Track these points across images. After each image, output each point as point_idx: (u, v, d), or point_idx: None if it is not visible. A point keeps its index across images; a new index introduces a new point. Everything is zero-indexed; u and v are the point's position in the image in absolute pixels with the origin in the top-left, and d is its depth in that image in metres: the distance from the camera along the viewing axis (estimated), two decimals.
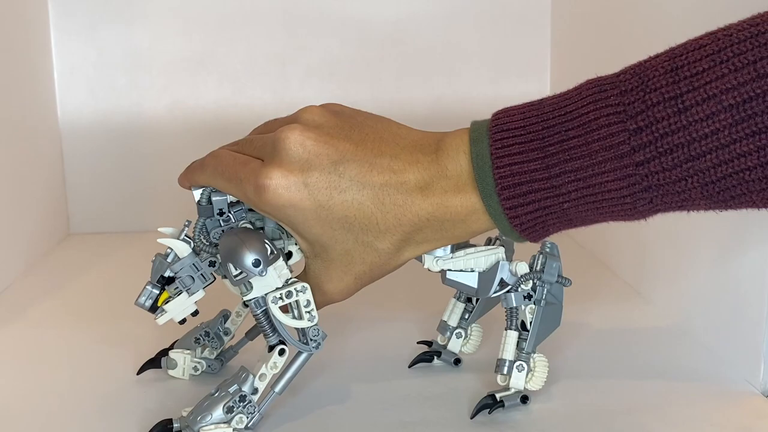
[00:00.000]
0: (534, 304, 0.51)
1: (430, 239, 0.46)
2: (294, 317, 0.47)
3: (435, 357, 0.58)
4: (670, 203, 0.41)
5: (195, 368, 0.56)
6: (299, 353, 0.48)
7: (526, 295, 0.51)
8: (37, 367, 0.59)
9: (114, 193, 1.00)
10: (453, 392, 0.54)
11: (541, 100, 0.44)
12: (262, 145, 0.46)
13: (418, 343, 0.60)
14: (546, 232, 0.45)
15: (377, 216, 0.44)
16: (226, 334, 0.56)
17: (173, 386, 0.55)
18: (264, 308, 0.47)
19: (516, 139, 0.43)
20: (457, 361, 0.57)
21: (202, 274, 0.49)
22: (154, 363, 0.56)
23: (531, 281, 0.51)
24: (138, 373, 0.56)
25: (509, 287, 0.50)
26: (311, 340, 0.48)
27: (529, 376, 0.51)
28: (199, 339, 0.56)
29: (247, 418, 0.47)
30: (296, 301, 0.47)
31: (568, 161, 0.41)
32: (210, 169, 0.47)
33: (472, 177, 0.44)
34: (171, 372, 0.55)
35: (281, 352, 0.47)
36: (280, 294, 0.46)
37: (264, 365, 0.47)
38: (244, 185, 0.45)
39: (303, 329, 0.47)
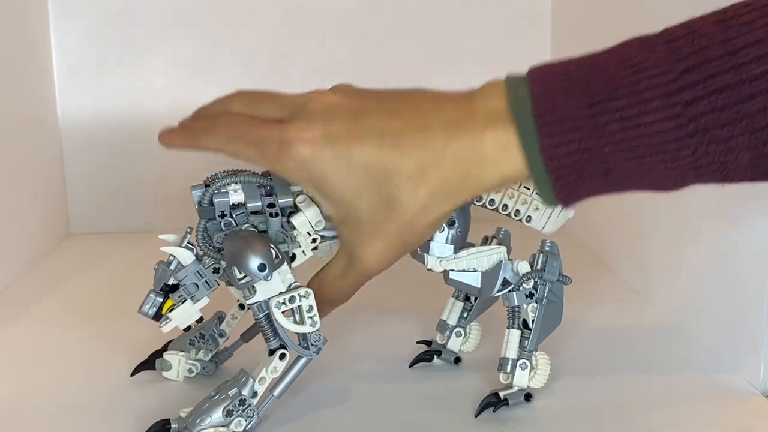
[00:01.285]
0: (536, 302, 0.51)
1: (458, 189, 0.43)
2: (296, 322, 0.47)
3: (435, 356, 0.58)
4: (714, 155, 0.39)
5: (189, 370, 0.56)
6: (299, 357, 0.48)
7: (527, 293, 0.51)
8: (36, 367, 0.59)
9: (114, 193, 1.00)
10: (454, 391, 0.54)
11: (580, 56, 0.42)
12: (284, 104, 0.45)
13: (417, 342, 0.60)
14: (578, 188, 0.42)
15: (397, 161, 0.42)
16: (221, 336, 0.56)
17: (168, 388, 0.55)
18: (266, 312, 0.47)
19: (558, 77, 0.40)
20: (457, 360, 0.57)
21: (206, 281, 0.48)
22: (148, 365, 0.56)
23: (532, 280, 0.51)
24: (132, 375, 0.56)
25: (511, 286, 0.50)
26: (312, 345, 0.47)
27: (532, 374, 0.51)
28: (193, 341, 0.56)
29: (246, 421, 0.47)
30: (299, 306, 0.47)
31: (613, 99, 0.39)
32: (222, 133, 0.45)
33: (508, 114, 0.41)
34: (165, 374, 0.55)
35: (282, 357, 0.47)
36: (284, 299, 0.46)
37: (264, 369, 0.47)
38: (266, 145, 0.43)
39: (304, 334, 0.47)
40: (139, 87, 0.97)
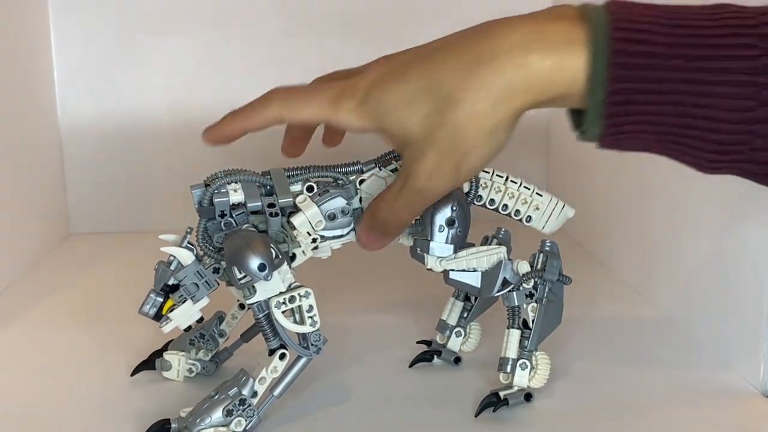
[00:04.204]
0: (536, 302, 0.51)
1: (517, 90, 0.40)
2: (296, 322, 0.47)
3: (435, 356, 0.58)
4: None
5: (189, 370, 0.56)
6: (299, 357, 0.48)
7: (527, 293, 0.51)
8: (36, 367, 0.59)
9: (114, 193, 1.00)
10: (454, 391, 0.54)
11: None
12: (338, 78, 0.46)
13: (417, 342, 0.60)
14: (630, 108, 0.39)
15: (452, 64, 0.41)
16: (221, 335, 0.56)
17: (168, 387, 0.55)
18: (266, 312, 0.47)
19: (636, 4, 0.40)
20: (457, 360, 0.57)
21: (206, 281, 0.48)
22: (148, 364, 0.56)
23: (532, 280, 0.51)
24: (132, 375, 0.56)
25: (511, 286, 0.50)
26: (312, 345, 0.48)
27: (532, 373, 0.51)
28: (193, 341, 0.56)
29: (246, 421, 0.47)
30: (299, 306, 0.47)
31: (692, 19, 0.38)
32: (279, 97, 0.45)
33: (580, 15, 0.40)
34: (165, 374, 0.55)
35: (282, 357, 0.47)
36: (284, 299, 0.46)
37: (264, 369, 0.47)
38: (328, 93, 0.44)
39: (304, 334, 0.47)
40: (139, 87, 0.97)
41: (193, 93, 0.98)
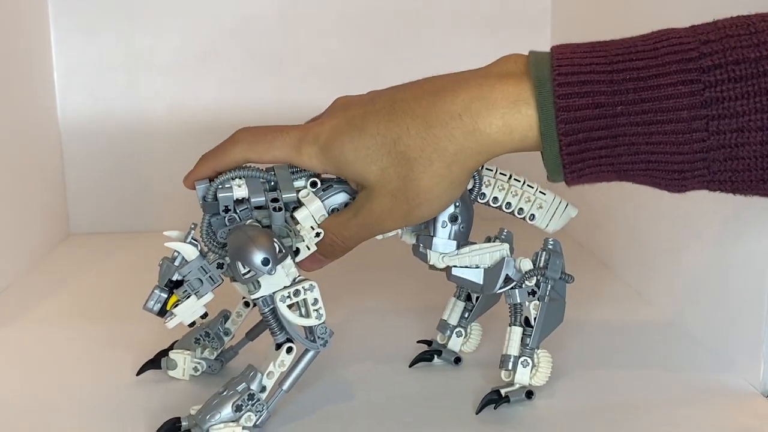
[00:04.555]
0: (538, 300, 0.51)
1: (463, 148, 0.43)
2: (302, 315, 0.47)
3: (435, 356, 0.58)
4: (725, 133, 0.38)
5: (195, 368, 0.56)
6: (306, 351, 0.48)
7: (530, 291, 0.51)
8: (36, 367, 0.59)
9: (114, 193, 1.00)
10: (455, 391, 0.54)
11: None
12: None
13: (418, 342, 0.60)
14: (585, 151, 0.41)
15: (407, 122, 0.44)
16: (226, 334, 0.56)
17: (173, 387, 0.55)
18: (271, 306, 0.47)
19: (580, 46, 0.41)
20: (458, 360, 0.58)
21: (210, 277, 0.49)
22: (153, 364, 0.56)
23: (535, 278, 0.51)
24: (137, 374, 0.56)
25: (514, 283, 0.50)
26: (319, 338, 0.48)
27: (534, 371, 0.51)
28: (199, 339, 0.56)
29: (256, 416, 0.47)
30: (304, 300, 0.47)
31: (632, 60, 0.39)
32: (245, 139, 0.47)
33: (526, 70, 0.41)
34: (171, 373, 0.55)
35: (289, 350, 0.47)
36: (288, 293, 0.46)
37: (272, 363, 0.47)
38: (289, 136, 0.46)
39: (310, 327, 0.47)
40: (139, 87, 0.97)
41: (193, 93, 0.98)
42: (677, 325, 0.65)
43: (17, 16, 0.85)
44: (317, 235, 0.48)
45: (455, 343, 0.58)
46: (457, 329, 0.58)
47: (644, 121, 0.39)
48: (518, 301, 0.51)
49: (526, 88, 0.41)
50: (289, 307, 0.47)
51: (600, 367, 0.58)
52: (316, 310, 0.47)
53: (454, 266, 0.50)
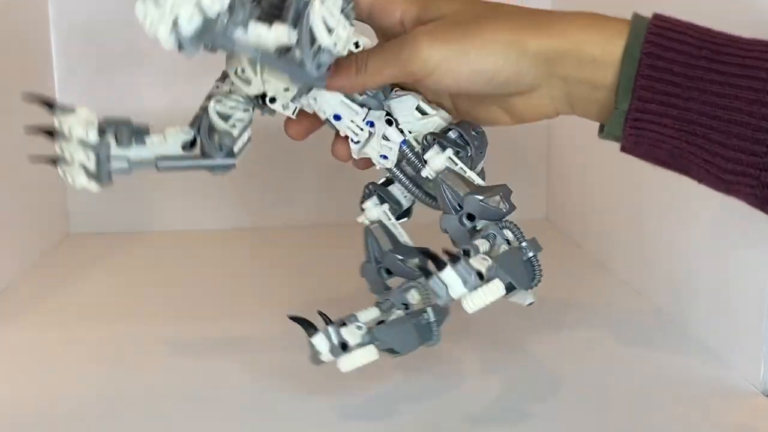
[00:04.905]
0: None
1: (536, 24, 0.44)
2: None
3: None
4: None
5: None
6: None
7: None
8: (36, 368, 0.59)
9: (114, 193, 0.99)
10: (455, 391, 0.54)
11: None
12: None
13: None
14: (653, 98, 0.43)
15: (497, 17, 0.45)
16: None
17: (174, 387, 0.55)
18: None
19: (679, 25, 0.43)
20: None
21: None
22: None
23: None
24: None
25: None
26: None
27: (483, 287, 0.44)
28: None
29: None
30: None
31: (723, 46, 0.42)
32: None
33: (625, 27, 0.44)
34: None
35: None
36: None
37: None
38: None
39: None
40: (139, 87, 0.97)
41: (193, 92, 0.98)
42: (676, 324, 0.65)
43: (17, 16, 0.85)
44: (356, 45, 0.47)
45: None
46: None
47: (720, 79, 0.41)
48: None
49: (626, 26, 0.43)
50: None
51: (598, 366, 0.58)
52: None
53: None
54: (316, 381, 0.55)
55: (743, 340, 0.55)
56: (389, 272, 0.51)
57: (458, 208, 0.47)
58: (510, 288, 0.44)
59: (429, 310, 0.48)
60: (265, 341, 0.62)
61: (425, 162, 0.48)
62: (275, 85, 0.48)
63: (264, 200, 1.00)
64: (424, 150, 0.49)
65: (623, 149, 0.45)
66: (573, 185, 0.93)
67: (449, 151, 0.48)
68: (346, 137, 0.50)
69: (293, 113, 0.49)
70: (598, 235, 0.85)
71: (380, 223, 0.52)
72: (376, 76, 0.46)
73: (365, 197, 0.53)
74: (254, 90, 0.48)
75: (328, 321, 0.48)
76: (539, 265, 0.45)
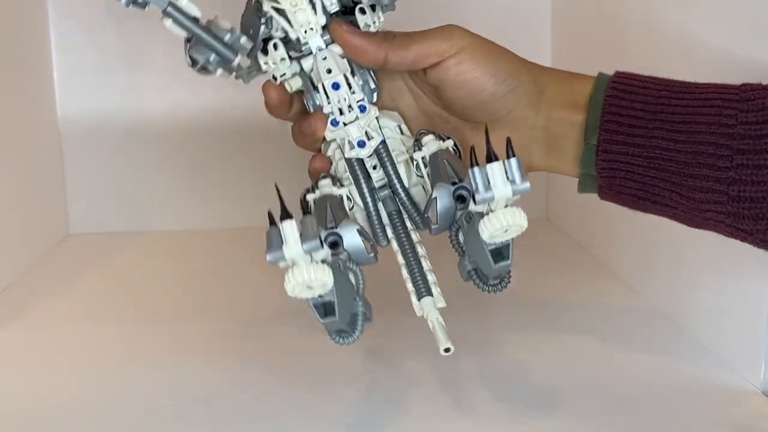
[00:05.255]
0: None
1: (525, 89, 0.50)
2: None
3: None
4: (754, 181, 0.42)
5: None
6: None
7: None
8: (36, 368, 0.59)
9: (114, 193, 1.00)
10: (453, 391, 0.54)
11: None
12: None
13: None
14: (618, 133, 0.46)
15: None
16: None
17: (175, 388, 0.55)
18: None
19: (637, 81, 0.47)
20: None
21: None
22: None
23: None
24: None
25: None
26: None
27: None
28: None
29: None
30: None
31: (672, 97, 0.45)
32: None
33: (590, 90, 0.48)
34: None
35: None
36: None
37: None
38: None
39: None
40: (139, 87, 0.97)
41: (193, 93, 0.98)
42: (676, 324, 0.65)
43: (17, 16, 0.85)
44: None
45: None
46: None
47: (676, 127, 0.44)
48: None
49: (591, 81, 0.49)
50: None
51: (598, 366, 0.58)
52: None
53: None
54: (317, 381, 0.55)
55: (743, 340, 0.55)
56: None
57: (456, 181, 0.45)
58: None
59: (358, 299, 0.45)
60: (265, 341, 0.62)
61: (421, 145, 0.48)
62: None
63: (264, 200, 1.00)
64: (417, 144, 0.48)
65: (600, 191, 0.51)
66: (573, 185, 0.93)
67: (450, 142, 0.48)
68: (324, 116, 0.49)
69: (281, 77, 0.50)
70: (598, 235, 0.85)
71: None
72: (402, 48, 0.49)
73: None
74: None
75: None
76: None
